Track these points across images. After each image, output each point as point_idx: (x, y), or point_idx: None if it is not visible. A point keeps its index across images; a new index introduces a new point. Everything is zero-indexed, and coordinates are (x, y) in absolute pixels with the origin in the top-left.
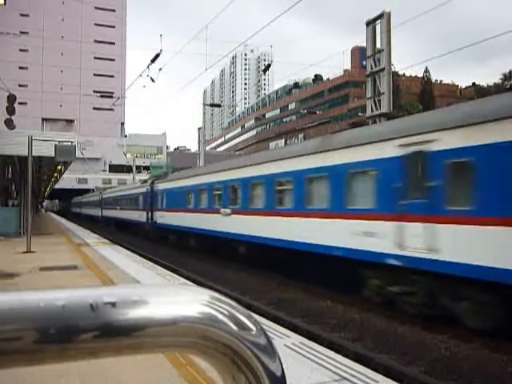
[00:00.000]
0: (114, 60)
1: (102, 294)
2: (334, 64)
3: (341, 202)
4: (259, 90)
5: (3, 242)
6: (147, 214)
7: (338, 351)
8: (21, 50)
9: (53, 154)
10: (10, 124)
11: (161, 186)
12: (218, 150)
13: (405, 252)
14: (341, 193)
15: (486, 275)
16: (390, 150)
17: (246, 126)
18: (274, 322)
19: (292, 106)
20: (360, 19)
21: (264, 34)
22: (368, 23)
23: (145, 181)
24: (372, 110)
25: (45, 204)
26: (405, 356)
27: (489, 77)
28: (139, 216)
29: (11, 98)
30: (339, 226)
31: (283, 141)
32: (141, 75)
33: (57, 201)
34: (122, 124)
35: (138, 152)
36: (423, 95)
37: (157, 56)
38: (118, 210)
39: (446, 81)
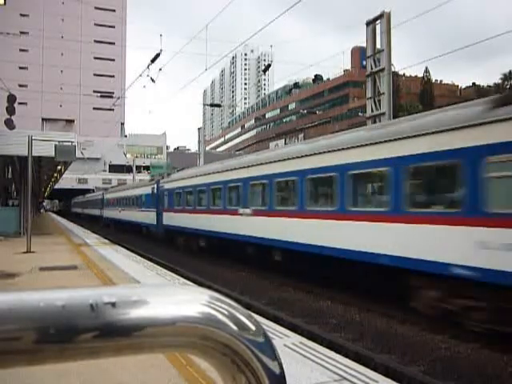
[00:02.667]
0: (113, 60)
1: (102, 293)
2: (334, 64)
3: None
4: (259, 90)
5: (3, 242)
6: None
7: (338, 351)
8: (21, 50)
9: (53, 154)
10: (10, 124)
11: None
12: (217, 149)
13: None
14: None
15: None
16: None
17: (246, 126)
18: (274, 322)
19: (292, 106)
20: (360, 19)
21: (264, 34)
22: (368, 23)
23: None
24: (372, 110)
25: (45, 204)
26: (405, 356)
27: (489, 77)
28: None
29: (11, 98)
30: None
31: (283, 141)
32: (141, 75)
33: (57, 201)
34: (122, 124)
35: (137, 152)
36: (423, 95)
37: (157, 56)
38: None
39: (446, 81)
